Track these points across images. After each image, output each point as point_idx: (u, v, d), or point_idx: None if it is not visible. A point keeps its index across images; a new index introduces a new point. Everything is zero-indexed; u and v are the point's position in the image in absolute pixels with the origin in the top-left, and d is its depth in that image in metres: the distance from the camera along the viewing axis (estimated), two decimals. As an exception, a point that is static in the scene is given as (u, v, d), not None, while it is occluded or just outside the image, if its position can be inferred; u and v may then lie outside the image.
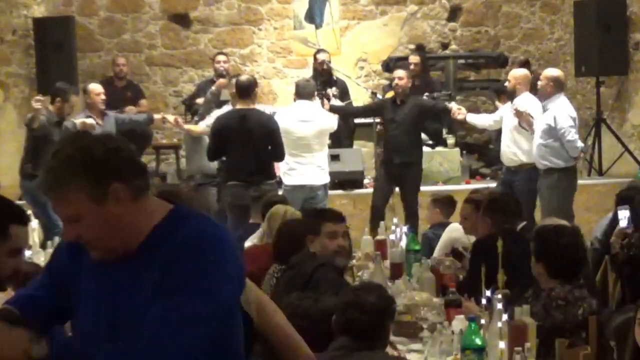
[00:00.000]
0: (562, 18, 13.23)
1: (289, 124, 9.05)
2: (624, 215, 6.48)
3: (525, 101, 9.13)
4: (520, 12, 13.35)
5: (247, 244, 6.89)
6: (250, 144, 8.58)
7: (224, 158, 9.07)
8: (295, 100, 9.52)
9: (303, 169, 9.11)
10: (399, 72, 9.73)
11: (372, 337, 3.70)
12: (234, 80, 9.27)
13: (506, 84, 9.50)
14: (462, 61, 12.79)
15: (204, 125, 9.63)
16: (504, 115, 9.47)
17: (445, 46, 13.35)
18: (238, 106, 8.80)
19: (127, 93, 11.83)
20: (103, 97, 9.52)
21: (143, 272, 2.41)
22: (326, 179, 9.30)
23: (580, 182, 11.31)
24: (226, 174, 9.06)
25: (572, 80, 13.06)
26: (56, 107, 9.13)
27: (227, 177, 9.00)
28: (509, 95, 9.37)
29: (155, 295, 2.35)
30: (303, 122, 9.06)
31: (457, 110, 9.72)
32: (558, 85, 8.92)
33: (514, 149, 9.19)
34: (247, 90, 8.76)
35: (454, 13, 13.34)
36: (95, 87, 9.68)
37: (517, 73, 9.43)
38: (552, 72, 9.11)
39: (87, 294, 2.51)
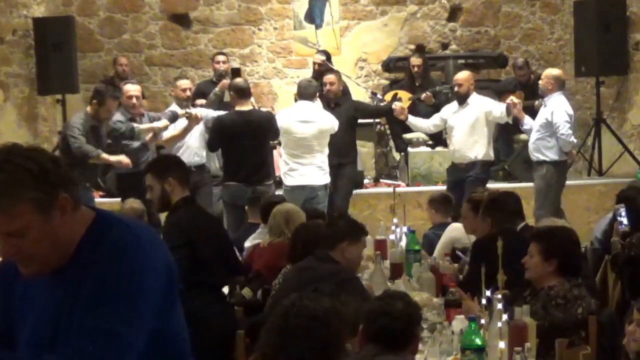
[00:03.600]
0: (562, 18, 13.22)
1: (290, 124, 9.07)
2: (621, 214, 6.52)
3: (482, 100, 9.67)
4: (520, 12, 13.34)
5: (247, 244, 6.91)
6: (250, 145, 8.71)
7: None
8: (296, 100, 9.54)
9: (304, 169, 9.12)
10: (330, 77, 9.86)
11: (402, 344, 3.69)
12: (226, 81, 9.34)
13: (456, 88, 9.69)
14: (462, 61, 12.77)
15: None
16: (449, 117, 9.71)
17: (445, 46, 13.34)
18: (237, 107, 8.88)
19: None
20: (135, 100, 9.18)
21: (75, 286, 2.41)
22: (327, 180, 9.31)
23: (580, 182, 11.38)
24: (225, 174, 9.10)
25: (572, 80, 13.05)
26: (92, 109, 8.84)
27: (225, 177, 9.05)
28: (464, 97, 9.57)
29: (82, 308, 2.36)
30: (304, 122, 9.07)
31: (400, 110, 9.84)
32: (559, 84, 9.39)
33: (471, 146, 9.51)
34: (245, 91, 8.87)
35: (454, 13, 13.33)
36: (129, 89, 9.28)
37: (465, 75, 9.76)
38: (552, 71, 9.60)
39: (23, 314, 2.50)
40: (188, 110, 9.41)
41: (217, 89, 10.77)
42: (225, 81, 11.02)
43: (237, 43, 13.17)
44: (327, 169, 9.34)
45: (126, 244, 2.43)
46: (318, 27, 13.11)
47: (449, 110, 9.79)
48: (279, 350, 3.07)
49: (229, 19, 13.17)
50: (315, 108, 9.28)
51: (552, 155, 9.27)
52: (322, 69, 11.25)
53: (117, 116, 9.17)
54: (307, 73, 12.09)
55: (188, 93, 9.84)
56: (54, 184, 2.37)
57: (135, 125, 9.07)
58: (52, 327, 2.42)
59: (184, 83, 9.98)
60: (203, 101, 10.91)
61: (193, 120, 9.40)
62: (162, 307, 2.47)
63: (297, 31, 13.15)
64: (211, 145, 9.28)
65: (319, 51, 11.98)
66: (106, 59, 12.93)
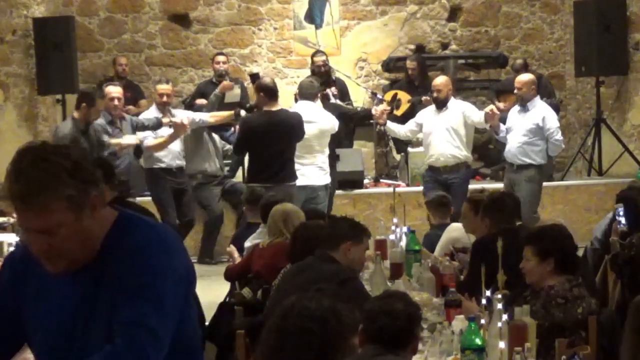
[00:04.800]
0: (562, 18, 13.23)
1: None
2: (620, 213, 6.53)
3: (460, 104, 9.78)
4: (520, 12, 13.34)
5: (247, 244, 6.91)
6: (277, 145, 8.66)
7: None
8: (297, 100, 9.52)
9: (304, 169, 9.10)
10: None
11: (402, 344, 3.68)
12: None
13: (435, 94, 9.72)
14: (462, 61, 12.79)
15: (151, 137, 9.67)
16: (426, 122, 9.72)
17: (445, 46, 13.34)
18: (266, 108, 8.80)
19: (127, 93, 11.78)
20: (117, 102, 9.19)
21: (100, 283, 2.43)
22: (327, 180, 9.30)
23: (580, 182, 11.41)
24: (249, 174, 9.01)
25: (572, 80, 13.07)
26: (82, 112, 8.77)
27: (250, 178, 8.97)
28: (443, 102, 9.59)
29: (109, 305, 2.39)
30: (305, 122, 9.03)
31: (380, 114, 9.90)
32: (537, 87, 9.64)
33: (453, 149, 9.52)
34: (274, 91, 8.82)
35: (454, 13, 13.34)
36: (110, 90, 9.30)
37: (443, 80, 9.81)
38: (528, 76, 9.72)
39: (38, 309, 2.51)
40: (173, 119, 9.46)
41: (217, 90, 10.77)
42: (226, 82, 11.03)
43: (237, 43, 13.17)
44: (328, 169, 9.34)
45: (149, 242, 2.45)
46: (318, 27, 13.11)
47: (425, 115, 9.81)
48: (277, 351, 3.07)
49: (229, 19, 13.18)
50: (316, 108, 9.27)
51: (539, 159, 9.37)
52: (325, 69, 11.30)
53: (100, 120, 9.15)
54: (307, 73, 12.08)
55: (165, 99, 9.83)
56: (87, 182, 2.39)
57: (106, 139, 9.00)
58: (71, 325, 2.44)
59: (161, 88, 9.93)
60: (204, 101, 10.92)
61: (180, 127, 9.49)
62: (181, 305, 2.50)
63: (297, 31, 13.15)
64: (238, 148, 9.20)
65: (318, 51, 11.97)
66: (106, 59, 12.93)
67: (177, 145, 9.89)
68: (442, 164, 9.57)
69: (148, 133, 9.60)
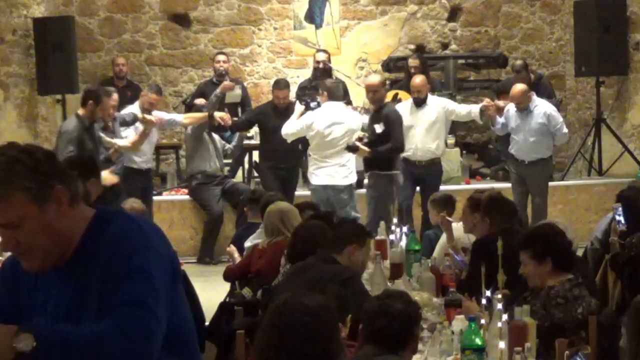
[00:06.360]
0: (562, 18, 13.23)
1: (321, 125, 9.09)
2: (619, 213, 6.55)
3: (439, 100, 9.99)
4: (520, 12, 13.34)
5: (247, 244, 6.91)
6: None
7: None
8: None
9: (330, 169, 9.15)
10: (284, 92, 10.25)
11: (400, 344, 3.68)
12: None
13: (416, 95, 9.82)
14: (462, 61, 12.78)
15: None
16: (404, 116, 9.69)
17: (445, 46, 13.34)
18: None
19: (127, 93, 11.80)
20: (111, 110, 9.24)
21: (84, 278, 2.45)
22: (352, 179, 9.33)
23: (580, 182, 11.41)
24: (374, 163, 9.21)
25: (572, 80, 13.07)
26: (88, 110, 8.64)
27: (372, 165, 9.21)
28: (423, 100, 9.75)
29: (98, 298, 2.42)
30: (335, 124, 9.12)
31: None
32: (533, 88, 10.21)
33: (432, 145, 9.70)
34: None
35: (454, 13, 13.34)
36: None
37: (421, 80, 9.89)
38: (521, 86, 9.87)
39: (33, 309, 2.54)
40: (147, 116, 9.72)
41: (218, 90, 10.76)
42: (227, 83, 11.03)
43: (237, 43, 13.17)
44: (353, 169, 9.36)
45: (129, 230, 2.50)
46: (318, 27, 13.11)
47: (404, 110, 9.81)
48: (278, 350, 3.07)
49: (229, 19, 13.18)
50: (344, 109, 9.42)
51: (548, 153, 9.82)
52: (326, 68, 11.32)
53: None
54: (307, 73, 12.10)
55: (154, 107, 10.06)
56: (48, 175, 2.43)
57: (102, 135, 9.08)
58: (65, 322, 2.46)
59: (155, 97, 10.16)
60: (204, 101, 10.91)
61: (148, 124, 9.67)
62: (170, 291, 2.52)
63: (297, 31, 13.15)
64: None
65: (320, 50, 11.97)
66: (106, 59, 12.93)
67: (149, 149, 10.13)
68: (419, 159, 9.70)
69: (129, 131, 9.78)
